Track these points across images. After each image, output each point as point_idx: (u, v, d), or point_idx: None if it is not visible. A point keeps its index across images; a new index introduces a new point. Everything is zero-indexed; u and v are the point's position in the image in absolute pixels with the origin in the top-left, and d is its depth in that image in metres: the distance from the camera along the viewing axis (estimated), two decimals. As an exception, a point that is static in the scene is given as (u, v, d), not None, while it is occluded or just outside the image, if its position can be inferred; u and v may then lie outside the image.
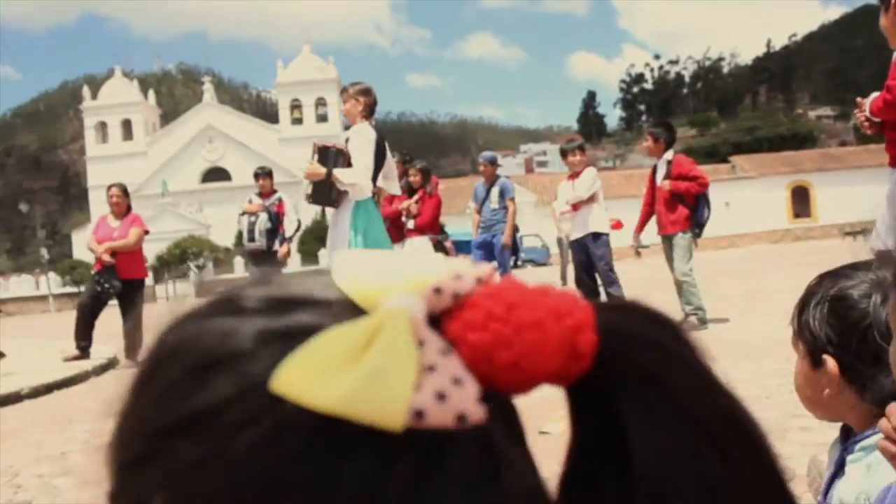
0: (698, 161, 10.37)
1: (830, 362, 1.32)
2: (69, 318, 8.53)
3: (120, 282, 8.31)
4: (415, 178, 8.84)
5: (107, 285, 8.27)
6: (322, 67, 76.07)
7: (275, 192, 10.42)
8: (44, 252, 51.89)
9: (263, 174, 10.42)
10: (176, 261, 50.82)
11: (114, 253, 8.34)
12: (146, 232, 8.69)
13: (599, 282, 8.14)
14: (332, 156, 5.86)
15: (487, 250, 10.56)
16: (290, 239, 10.52)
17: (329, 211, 6.46)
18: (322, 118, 74.50)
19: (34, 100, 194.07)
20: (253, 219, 10.10)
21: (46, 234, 71.45)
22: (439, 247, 8.65)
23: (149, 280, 44.05)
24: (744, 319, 7.57)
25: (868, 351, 1.28)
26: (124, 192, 8.85)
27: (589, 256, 8.01)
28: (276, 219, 10.23)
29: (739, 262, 19.72)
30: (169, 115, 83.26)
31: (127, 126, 74.11)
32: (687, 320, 7.19)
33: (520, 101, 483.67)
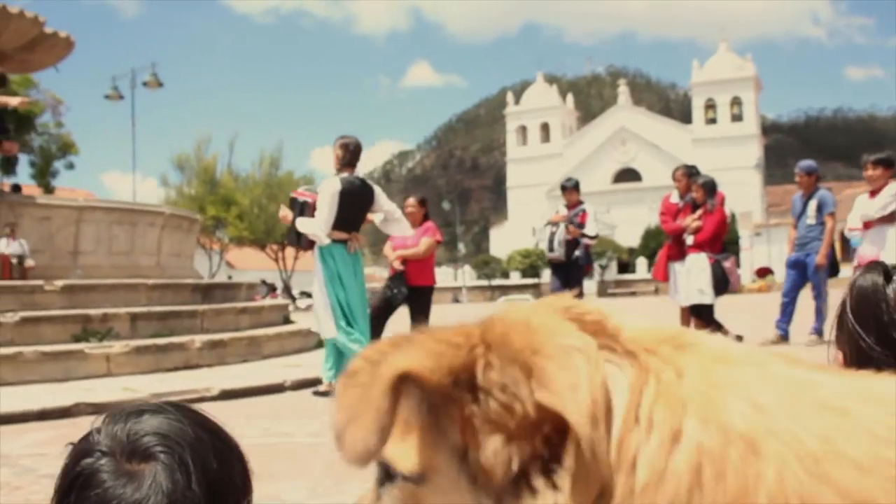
0: None
1: None
2: (467, 310, 9.22)
3: (408, 288, 8.90)
4: (697, 194, 8.38)
5: (395, 291, 8.90)
6: (740, 65, 73.39)
7: (580, 203, 10.44)
8: (461, 247, 56.69)
9: (570, 187, 10.49)
10: (580, 260, 52.53)
11: (405, 260, 8.96)
12: (438, 242, 9.19)
13: None
14: (297, 205, 6.82)
15: (801, 270, 9.66)
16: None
17: None
18: (737, 117, 71.88)
19: (476, 106, 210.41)
20: (554, 229, 10.22)
21: (465, 230, 78.09)
22: (717, 266, 8.10)
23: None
24: None
25: None
26: (420, 202, 9.43)
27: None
28: (579, 229, 10.25)
29: None
30: (597, 116, 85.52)
31: (545, 129, 77.64)
32: None
33: None
